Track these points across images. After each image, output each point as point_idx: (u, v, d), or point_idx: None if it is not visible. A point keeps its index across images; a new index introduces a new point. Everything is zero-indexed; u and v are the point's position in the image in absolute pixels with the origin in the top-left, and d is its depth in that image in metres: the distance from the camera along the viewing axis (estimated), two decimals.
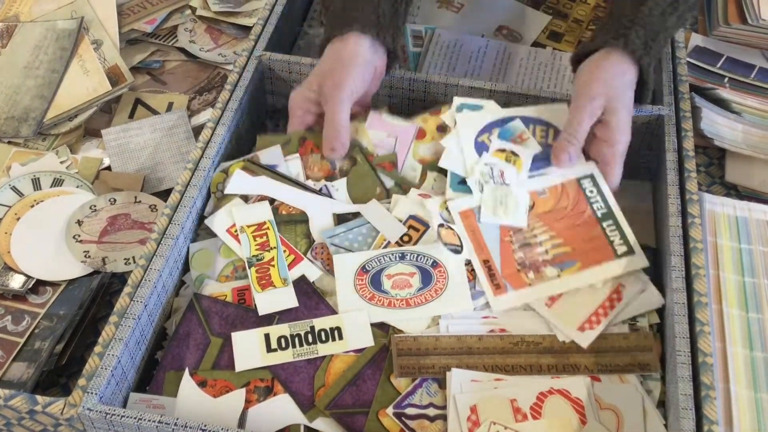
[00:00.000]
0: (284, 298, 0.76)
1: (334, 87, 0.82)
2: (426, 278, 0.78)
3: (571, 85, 1.01)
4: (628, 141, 0.80)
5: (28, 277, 0.82)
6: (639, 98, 0.83)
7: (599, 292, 0.76)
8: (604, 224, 0.79)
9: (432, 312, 0.76)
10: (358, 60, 0.83)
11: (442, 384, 0.71)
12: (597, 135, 0.81)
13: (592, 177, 0.82)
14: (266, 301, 0.76)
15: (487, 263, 0.77)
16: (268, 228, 0.80)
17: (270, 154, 0.85)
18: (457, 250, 0.79)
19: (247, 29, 1.10)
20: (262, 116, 0.98)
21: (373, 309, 0.75)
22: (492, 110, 0.87)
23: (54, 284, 0.82)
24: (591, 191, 0.81)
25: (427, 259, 0.79)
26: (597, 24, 0.85)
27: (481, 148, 0.84)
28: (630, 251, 0.77)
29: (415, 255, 0.79)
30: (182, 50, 1.09)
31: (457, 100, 0.88)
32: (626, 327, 0.74)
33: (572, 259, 0.77)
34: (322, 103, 0.84)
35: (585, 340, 0.73)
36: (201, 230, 0.82)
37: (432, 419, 0.69)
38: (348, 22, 0.84)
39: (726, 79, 1.02)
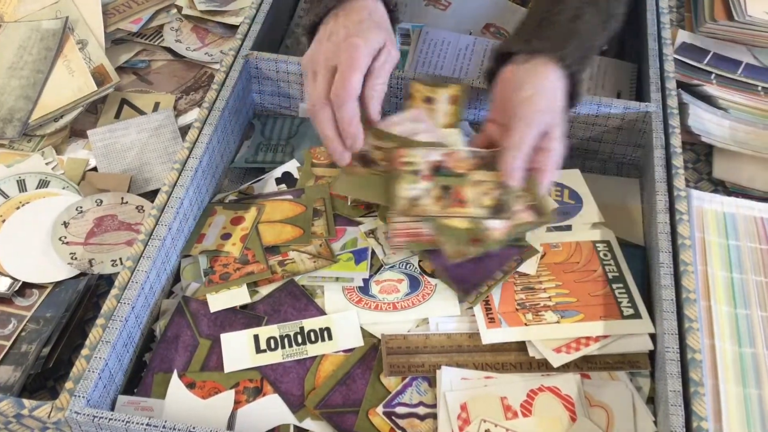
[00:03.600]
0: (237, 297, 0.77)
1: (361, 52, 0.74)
2: (414, 284, 0.78)
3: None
4: (564, 151, 0.77)
5: (14, 279, 0.81)
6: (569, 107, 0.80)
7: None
8: (614, 286, 0.77)
9: (418, 315, 0.76)
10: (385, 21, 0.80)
11: (432, 382, 0.71)
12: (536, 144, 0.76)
13: (608, 243, 0.80)
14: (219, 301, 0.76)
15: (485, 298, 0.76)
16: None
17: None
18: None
19: (233, 28, 1.09)
20: (249, 116, 0.98)
21: (360, 312, 0.76)
22: None
23: (40, 286, 0.81)
24: (605, 255, 0.80)
25: (416, 268, 0.79)
26: (525, 22, 0.82)
27: None
28: (636, 315, 0.74)
29: (405, 263, 0.79)
30: (168, 50, 1.08)
31: None
32: None
33: (575, 310, 0.75)
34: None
35: (557, 361, 0.71)
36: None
37: (422, 418, 0.69)
38: None
39: (713, 76, 1.02)
